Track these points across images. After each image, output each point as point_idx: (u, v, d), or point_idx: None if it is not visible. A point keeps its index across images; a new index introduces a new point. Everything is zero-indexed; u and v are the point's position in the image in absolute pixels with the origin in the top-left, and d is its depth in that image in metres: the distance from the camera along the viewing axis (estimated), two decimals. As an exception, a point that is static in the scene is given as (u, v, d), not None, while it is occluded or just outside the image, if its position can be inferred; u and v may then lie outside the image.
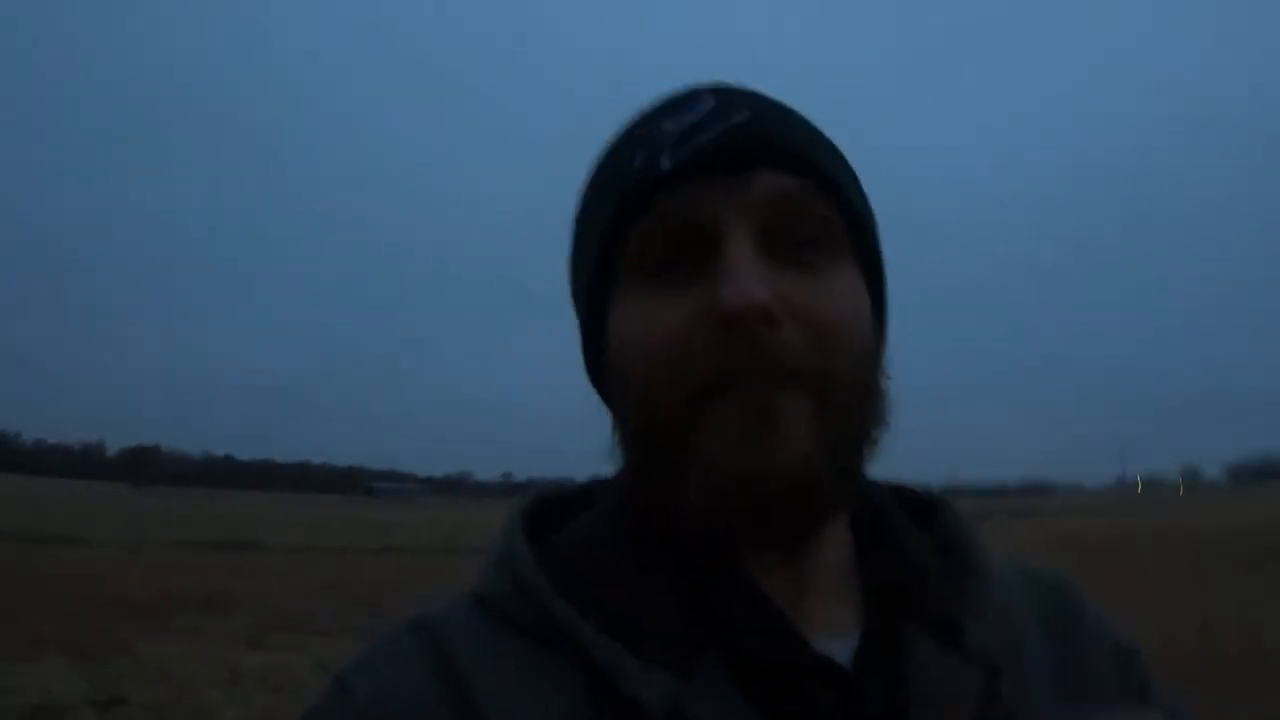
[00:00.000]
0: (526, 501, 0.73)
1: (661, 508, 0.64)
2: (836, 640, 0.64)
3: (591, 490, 0.75)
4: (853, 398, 0.63)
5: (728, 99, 0.65)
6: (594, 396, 0.73)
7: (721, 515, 0.60)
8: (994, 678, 0.63)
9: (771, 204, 0.62)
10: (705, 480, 0.60)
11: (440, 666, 0.61)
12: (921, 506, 0.77)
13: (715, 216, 0.61)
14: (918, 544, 0.71)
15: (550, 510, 0.73)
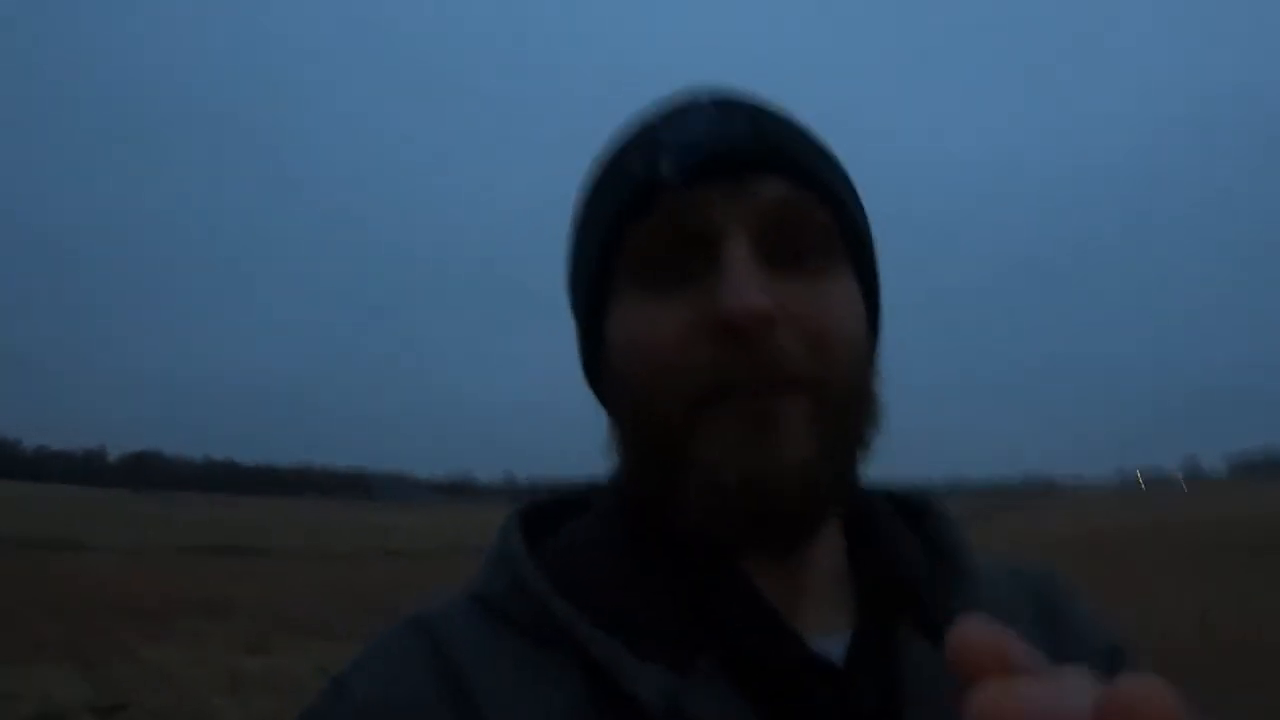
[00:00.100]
0: (524, 504, 0.74)
1: (660, 510, 0.64)
2: (829, 639, 0.64)
3: (588, 493, 0.75)
4: (848, 403, 0.63)
5: (727, 106, 0.66)
6: (592, 398, 0.73)
7: (721, 520, 0.61)
8: None
9: (770, 211, 0.62)
10: (705, 485, 0.60)
11: (440, 665, 0.61)
12: (911, 508, 0.78)
13: (715, 222, 0.61)
14: (909, 546, 0.72)
15: (547, 513, 0.74)
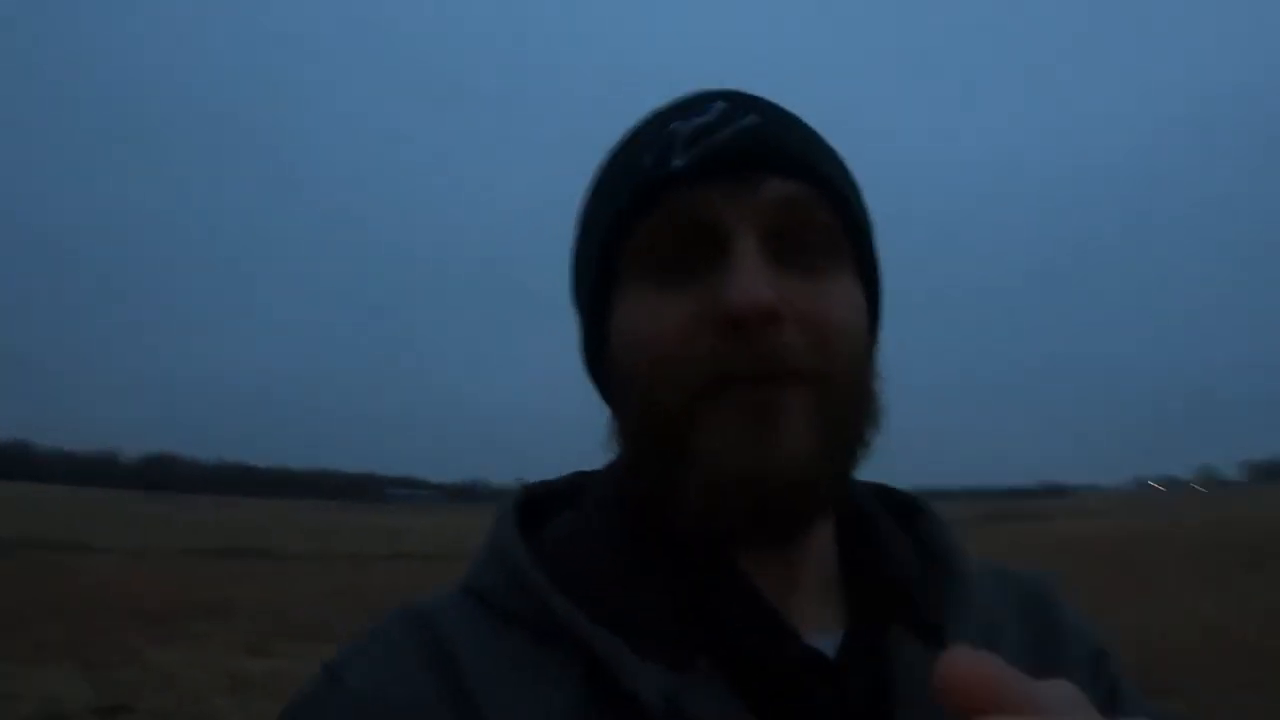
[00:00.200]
0: (517, 495, 0.73)
1: (659, 504, 0.64)
2: (822, 638, 0.64)
3: (579, 484, 0.75)
4: (849, 400, 0.64)
5: (738, 103, 0.67)
6: (594, 393, 0.74)
7: (721, 514, 0.61)
8: None
9: (778, 209, 0.63)
10: (705, 479, 0.61)
11: (438, 661, 0.61)
12: (902, 508, 0.78)
13: (723, 218, 0.62)
14: (902, 547, 0.72)
15: (540, 504, 0.73)
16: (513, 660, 0.61)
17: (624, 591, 0.63)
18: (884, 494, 0.79)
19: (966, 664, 0.30)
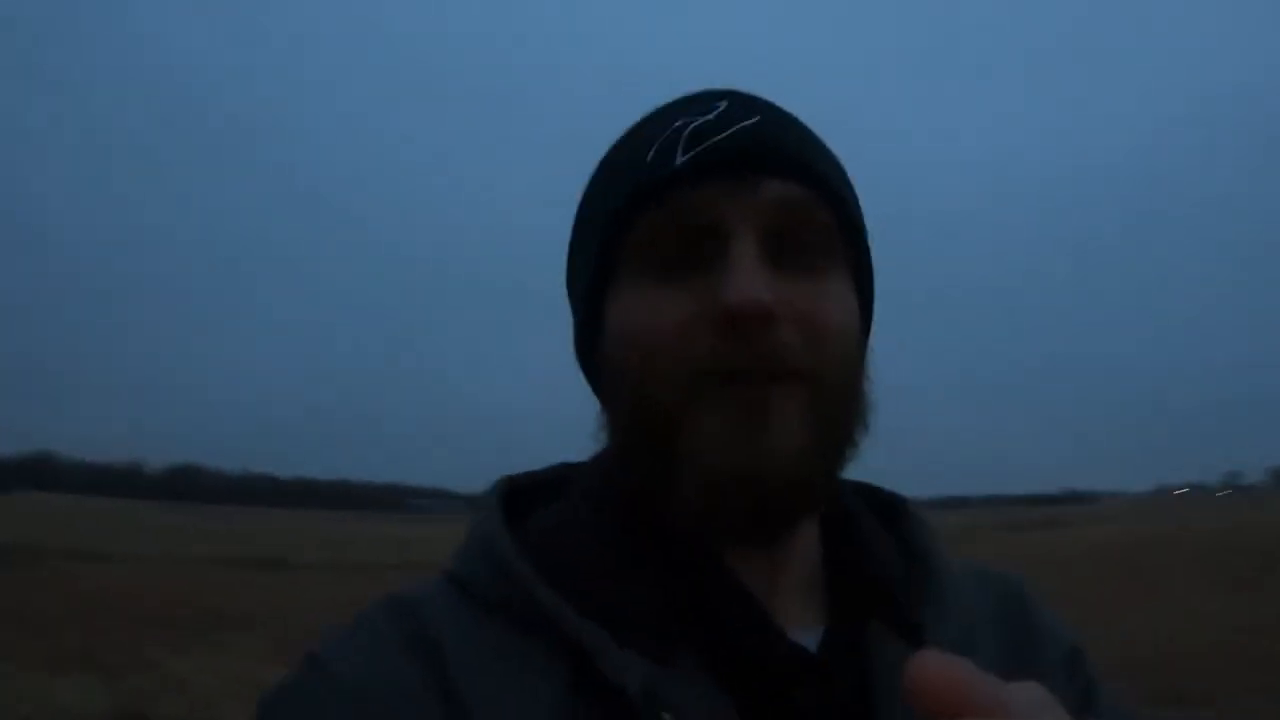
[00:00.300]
0: (501, 486, 0.74)
1: (649, 498, 0.66)
2: (804, 635, 0.65)
3: (564, 476, 0.76)
4: (841, 400, 0.66)
5: (740, 103, 0.68)
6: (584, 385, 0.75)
7: (711, 506, 0.62)
8: None
9: (778, 210, 0.64)
10: (698, 475, 0.62)
11: (423, 650, 0.61)
12: (885, 507, 0.79)
13: (724, 217, 0.63)
14: (885, 546, 0.74)
15: (524, 494, 0.74)
16: (497, 650, 0.61)
17: (611, 584, 0.63)
18: (866, 493, 0.79)
19: (936, 667, 0.30)
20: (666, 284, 0.64)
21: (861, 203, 0.73)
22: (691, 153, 0.64)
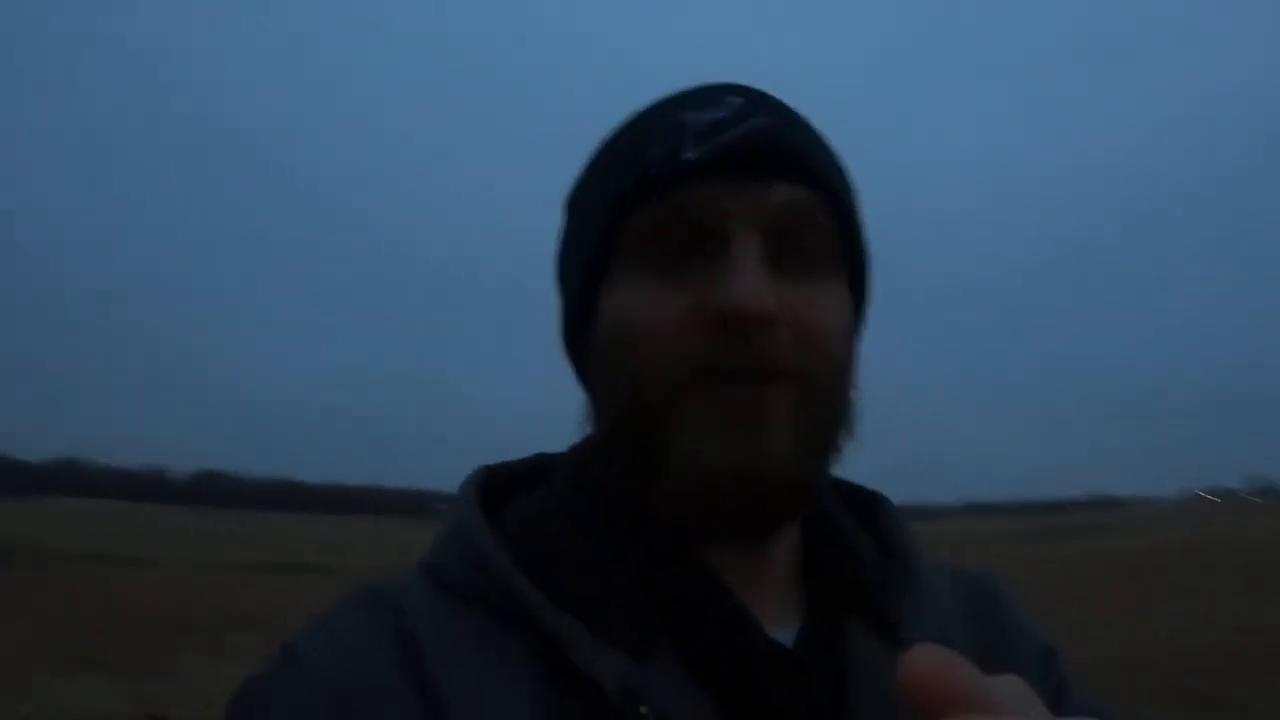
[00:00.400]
0: (478, 475, 0.72)
1: (635, 492, 0.65)
2: (782, 633, 0.64)
3: (542, 466, 0.75)
4: (829, 404, 0.65)
5: (752, 100, 0.66)
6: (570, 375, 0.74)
7: (700, 506, 0.62)
8: None
9: (783, 212, 0.63)
10: (696, 474, 0.61)
11: (399, 641, 0.60)
12: (862, 505, 0.78)
13: (729, 217, 0.62)
14: (863, 544, 0.73)
15: (502, 483, 0.73)
16: (474, 642, 0.60)
17: (590, 577, 0.63)
18: (844, 490, 0.78)
19: (930, 661, 0.30)
20: (666, 279, 0.63)
21: (862, 205, 0.72)
22: (701, 148, 0.63)
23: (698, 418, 0.61)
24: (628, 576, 0.63)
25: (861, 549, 0.72)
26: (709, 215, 0.62)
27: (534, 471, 0.74)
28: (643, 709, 0.56)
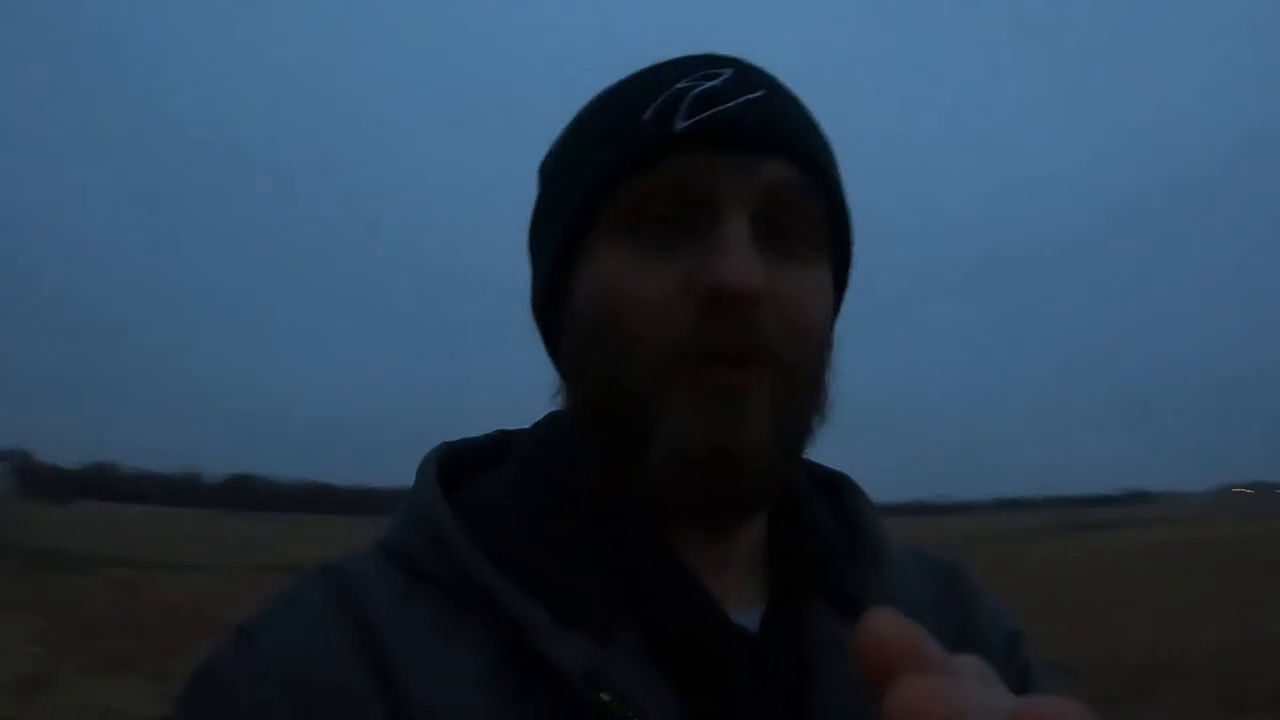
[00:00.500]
0: (438, 453, 0.70)
1: (611, 471, 0.64)
2: (746, 615, 0.64)
3: (503, 442, 0.74)
4: (807, 389, 0.64)
5: (745, 72, 0.65)
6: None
7: (677, 488, 0.61)
8: None
9: (773, 191, 0.62)
10: (678, 456, 0.60)
11: (353, 622, 0.59)
12: (827, 485, 0.77)
13: (719, 191, 0.61)
14: (830, 526, 0.72)
15: (462, 461, 0.71)
16: (433, 624, 0.59)
17: (551, 559, 0.61)
18: (808, 470, 0.77)
19: (886, 624, 0.30)
20: (652, 252, 0.61)
21: (849, 194, 0.71)
22: (695, 119, 0.61)
23: (681, 400, 0.60)
24: (590, 560, 0.62)
25: (827, 531, 0.71)
26: (699, 189, 0.61)
27: (495, 450, 0.73)
28: (603, 695, 0.55)
